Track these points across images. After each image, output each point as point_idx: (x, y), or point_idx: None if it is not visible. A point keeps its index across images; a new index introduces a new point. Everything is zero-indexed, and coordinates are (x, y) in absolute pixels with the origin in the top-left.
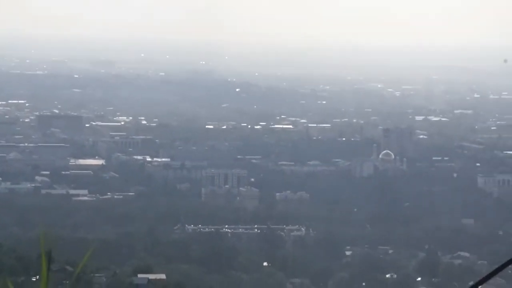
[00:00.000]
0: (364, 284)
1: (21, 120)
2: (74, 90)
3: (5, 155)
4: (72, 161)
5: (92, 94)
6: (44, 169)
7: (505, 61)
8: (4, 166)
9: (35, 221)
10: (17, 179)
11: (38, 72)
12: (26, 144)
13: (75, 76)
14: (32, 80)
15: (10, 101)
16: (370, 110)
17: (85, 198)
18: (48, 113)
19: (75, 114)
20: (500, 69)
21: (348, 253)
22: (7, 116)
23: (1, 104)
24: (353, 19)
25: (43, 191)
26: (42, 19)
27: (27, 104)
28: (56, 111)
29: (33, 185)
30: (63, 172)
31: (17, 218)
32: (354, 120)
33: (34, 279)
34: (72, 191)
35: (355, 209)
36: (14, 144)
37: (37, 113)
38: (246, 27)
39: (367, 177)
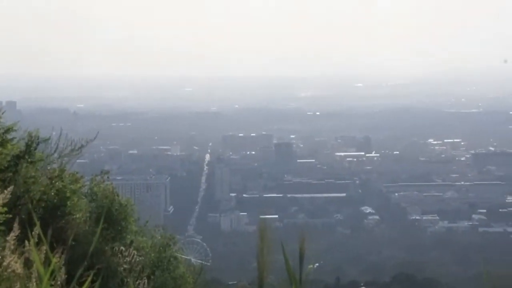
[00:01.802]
0: None
1: (456, 158)
2: (510, 126)
3: (442, 194)
4: (509, 199)
5: None
6: (481, 207)
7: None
8: (441, 204)
9: (474, 260)
10: (454, 218)
11: (473, 110)
12: (462, 183)
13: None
14: (467, 118)
15: (445, 140)
16: None
17: None
18: (484, 151)
19: (511, 151)
20: None
21: None
22: (443, 155)
23: (438, 143)
24: None
25: (480, 229)
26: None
27: (462, 143)
28: (492, 148)
29: (470, 223)
30: (500, 210)
31: (455, 257)
32: None
33: None
34: (509, 229)
35: None
36: (450, 183)
37: (472, 151)
38: None
39: None
